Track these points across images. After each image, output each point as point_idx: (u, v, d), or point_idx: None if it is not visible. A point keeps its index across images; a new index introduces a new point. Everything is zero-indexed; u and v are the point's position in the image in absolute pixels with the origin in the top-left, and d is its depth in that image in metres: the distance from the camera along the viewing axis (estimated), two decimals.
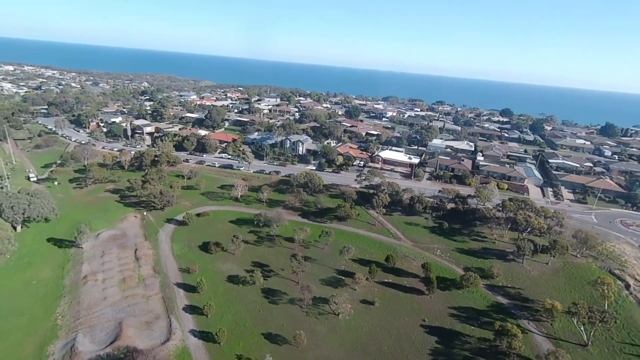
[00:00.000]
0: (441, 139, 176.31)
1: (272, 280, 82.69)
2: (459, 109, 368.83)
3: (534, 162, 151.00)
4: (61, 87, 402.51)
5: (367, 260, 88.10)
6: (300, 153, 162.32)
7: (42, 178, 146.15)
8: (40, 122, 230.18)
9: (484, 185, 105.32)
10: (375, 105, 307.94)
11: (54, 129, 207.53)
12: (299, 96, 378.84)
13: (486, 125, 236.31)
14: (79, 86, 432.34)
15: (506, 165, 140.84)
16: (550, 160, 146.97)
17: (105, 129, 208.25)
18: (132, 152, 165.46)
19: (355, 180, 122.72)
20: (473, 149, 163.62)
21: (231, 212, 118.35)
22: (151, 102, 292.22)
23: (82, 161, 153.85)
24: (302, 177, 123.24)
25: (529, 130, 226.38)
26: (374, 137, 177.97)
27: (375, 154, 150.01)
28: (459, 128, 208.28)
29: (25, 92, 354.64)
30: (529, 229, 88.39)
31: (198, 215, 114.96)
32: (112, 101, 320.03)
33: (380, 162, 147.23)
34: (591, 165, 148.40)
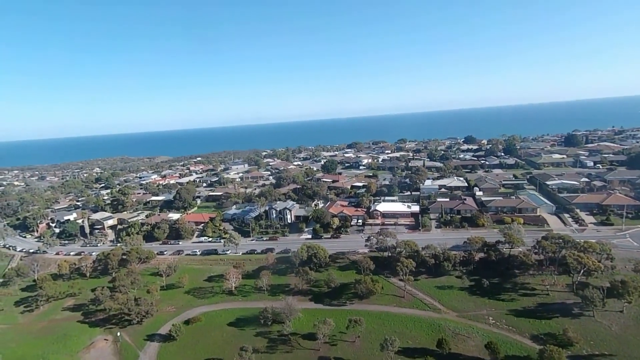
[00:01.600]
0: (430, 179, 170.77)
1: None
2: (423, 142, 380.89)
3: (533, 187, 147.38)
4: (2, 187, 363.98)
5: (413, 349, 71.78)
6: (289, 222, 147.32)
7: None
8: None
9: (508, 226, 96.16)
10: (346, 155, 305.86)
11: None
12: (265, 157, 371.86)
13: (461, 156, 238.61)
14: (22, 184, 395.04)
15: (511, 196, 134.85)
16: (548, 183, 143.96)
17: (57, 229, 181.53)
18: (94, 254, 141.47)
19: (366, 245, 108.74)
20: (466, 184, 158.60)
21: (228, 310, 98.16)
22: (108, 190, 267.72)
23: (31, 275, 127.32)
24: (304, 252, 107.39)
25: (502, 154, 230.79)
26: (362, 190, 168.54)
27: (373, 208, 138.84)
28: (441, 164, 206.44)
29: None
30: (582, 272, 78.09)
31: (187, 322, 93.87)
32: (63, 195, 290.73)
33: (379, 217, 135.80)
34: (587, 180, 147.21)
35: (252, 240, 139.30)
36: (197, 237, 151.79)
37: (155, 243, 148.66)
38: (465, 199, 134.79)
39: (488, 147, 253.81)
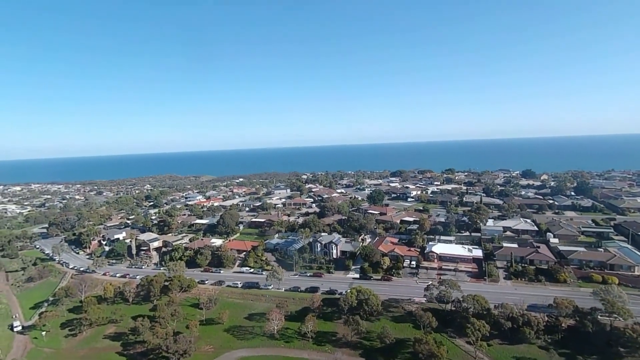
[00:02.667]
0: (491, 218, 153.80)
1: None
2: (473, 173, 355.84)
3: (623, 238, 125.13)
4: (65, 201, 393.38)
5: None
6: (334, 257, 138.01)
7: (29, 325, 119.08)
8: (37, 247, 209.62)
9: (604, 288, 79.42)
10: (392, 184, 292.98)
11: (51, 254, 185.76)
12: (307, 182, 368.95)
13: (523, 192, 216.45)
14: (82, 198, 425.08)
15: (596, 248, 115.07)
16: None
17: (107, 247, 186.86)
18: (138, 278, 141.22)
19: (425, 296, 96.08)
20: (535, 228, 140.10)
21: (268, 357, 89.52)
22: (156, 209, 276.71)
23: (78, 295, 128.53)
24: (353, 296, 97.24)
25: (573, 193, 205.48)
26: (414, 226, 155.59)
27: (428, 249, 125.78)
28: (500, 201, 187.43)
29: (29, 211, 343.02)
30: None
31: None
32: (116, 211, 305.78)
33: (435, 260, 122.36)
34: None
35: (295, 274, 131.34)
36: (238, 266, 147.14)
37: (197, 270, 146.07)
38: (538, 247, 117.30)
39: (553, 184, 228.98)
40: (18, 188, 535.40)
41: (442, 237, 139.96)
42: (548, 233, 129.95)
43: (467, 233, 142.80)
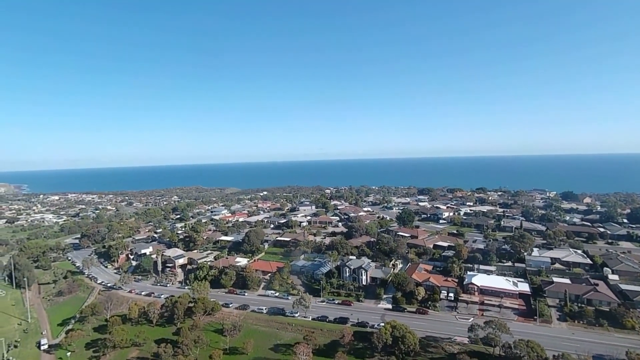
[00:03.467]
0: (535, 246, 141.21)
1: None
2: (506, 192, 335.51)
3: None
4: (97, 211, 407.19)
5: None
6: (364, 283, 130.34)
7: (55, 344, 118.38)
8: (69, 258, 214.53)
9: None
10: (421, 203, 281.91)
11: (81, 267, 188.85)
12: (331, 198, 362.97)
13: (567, 218, 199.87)
14: (114, 208, 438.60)
15: None
16: None
17: (134, 262, 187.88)
18: (162, 297, 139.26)
19: (469, 337, 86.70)
20: (588, 260, 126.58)
21: None
22: (182, 223, 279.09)
23: (104, 314, 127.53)
24: (388, 332, 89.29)
25: (626, 220, 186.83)
26: (448, 251, 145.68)
27: (467, 280, 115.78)
28: (543, 227, 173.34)
29: (64, 221, 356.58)
30: None
31: None
32: (144, 223, 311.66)
33: (476, 293, 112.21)
34: None
35: (322, 301, 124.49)
36: (263, 288, 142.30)
37: (221, 290, 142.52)
38: (596, 284, 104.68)
39: (601, 209, 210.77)
40: (56, 197, 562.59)
41: (482, 267, 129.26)
42: (605, 268, 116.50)
43: (510, 263, 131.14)
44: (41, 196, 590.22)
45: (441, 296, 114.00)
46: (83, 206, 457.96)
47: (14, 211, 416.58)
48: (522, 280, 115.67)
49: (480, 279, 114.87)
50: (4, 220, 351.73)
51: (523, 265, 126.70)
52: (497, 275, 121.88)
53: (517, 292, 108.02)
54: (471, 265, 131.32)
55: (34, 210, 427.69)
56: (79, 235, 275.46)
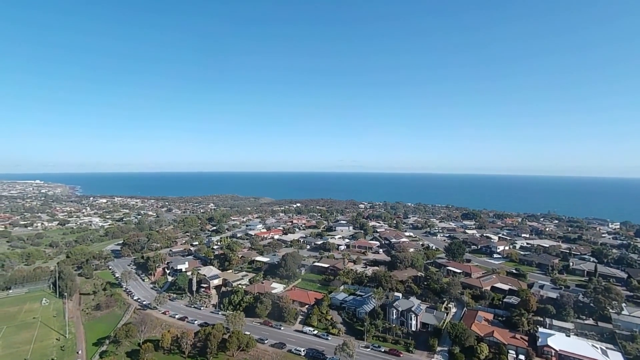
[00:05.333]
0: (624, 303, 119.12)
1: None
2: (562, 221, 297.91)
3: None
4: (140, 217, 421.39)
5: None
6: (413, 329, 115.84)
7: None
8: (110, 268, 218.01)
9: None
10: (468, 231, 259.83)
11: (119, 279, 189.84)
12: (368, 218, 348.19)
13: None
14: (154, 214, 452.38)
15: None
16: None
17: (170, 277, 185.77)
18: (196, 323, 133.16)
19: None
20: None
21: None
22: (218, 237, 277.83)
23: (137, 337, 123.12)
24: None
25: None
26: (510, 297, 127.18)
27: (541, 340, 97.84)
28: (624, 273, 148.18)
29: (109, 225, 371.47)
30: None
31: None
32: (182, 232, 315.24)
33: (554, 358, 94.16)
34: None
35: (366, 347, 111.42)
36: (300, 322, 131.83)
37: (256, 321, 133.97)
38: None
39: None
40: (104, 200, 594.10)
41: (555, 322, 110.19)
42: None
43: (591, 321, 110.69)
44: (91, 198, 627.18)
45: (508, 358, 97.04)
46: (127, 210, 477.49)
47: (66, 213, 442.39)
48: (612, 347, 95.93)
49: (558, 341, 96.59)
50: (57, 222, 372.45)
51: (609, 325, 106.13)
52: (577, 336, 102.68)
53: None
54: (542, 319, 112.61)
55: (83, 212, 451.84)
56: (121, 241, 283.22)
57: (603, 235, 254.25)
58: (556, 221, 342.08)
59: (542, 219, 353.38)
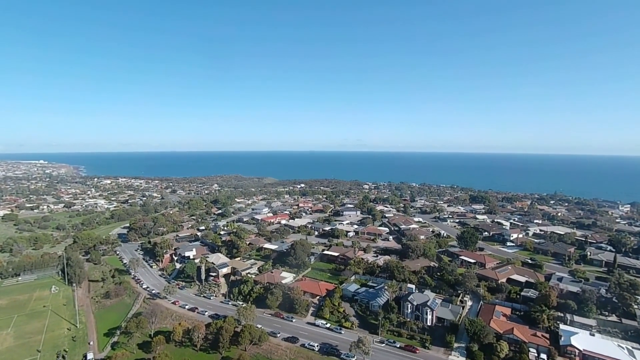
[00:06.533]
0: None
1: None
2: (574, 204, 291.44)
3: None
4: (144, 198, 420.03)
5: None
6: (429, 324, 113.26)
7: (100, 359, 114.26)
8: (117, 253, 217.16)
9: None
10: (479, 216, 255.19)
11: (127, 265, 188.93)
12: (375, 201, 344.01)
13: None
14: (159, 195, 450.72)
15: None
16: None
17: (178, 264, 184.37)
18: (206, 315, 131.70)
19: None
20: None
21: None
22: (224, 221, 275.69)
23: (148, 329, 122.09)
24: None
25: None
26: (528, 289, 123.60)
27: (564, 339, 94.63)
28: None
29: (115, 207, 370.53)
30: None
31: None
32: (187, 215, 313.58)
33: (577, 358, 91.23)
34: None
35: (380, 342, 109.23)
36: (311, 314, 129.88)
37: (267, 312, 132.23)
38: None
39: None
40: (108, 181, 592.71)
41: (576, 319, 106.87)
42: None
43: (615, 317, 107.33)
44: (95, 179, 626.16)
45: (529, 356, 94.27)
46: (132, 192, 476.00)
47: (71, 195, 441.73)
48: (638, 346, 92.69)
49: (582, 341, 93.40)
50: (62, 205, 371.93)
51: (634, 323, 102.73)
52: (600, 333, 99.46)
53: None
54: (562, 315, 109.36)
55: (88, 194, 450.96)
56: (126, 224, 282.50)
57: (617, 220, 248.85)
58: (566, 204, 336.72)
59: (551, 202, 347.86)
